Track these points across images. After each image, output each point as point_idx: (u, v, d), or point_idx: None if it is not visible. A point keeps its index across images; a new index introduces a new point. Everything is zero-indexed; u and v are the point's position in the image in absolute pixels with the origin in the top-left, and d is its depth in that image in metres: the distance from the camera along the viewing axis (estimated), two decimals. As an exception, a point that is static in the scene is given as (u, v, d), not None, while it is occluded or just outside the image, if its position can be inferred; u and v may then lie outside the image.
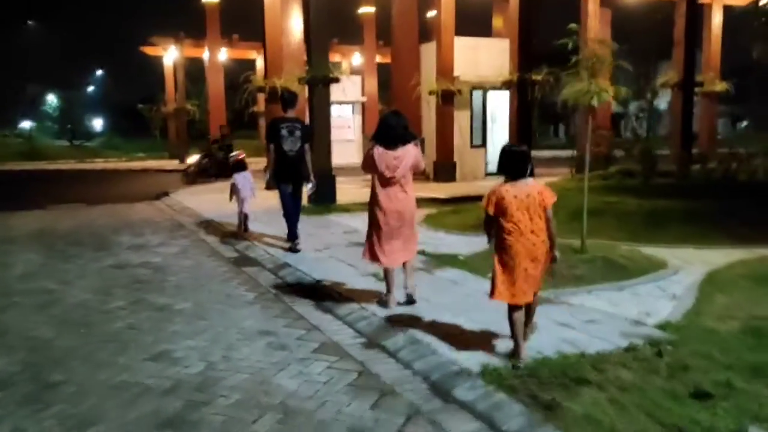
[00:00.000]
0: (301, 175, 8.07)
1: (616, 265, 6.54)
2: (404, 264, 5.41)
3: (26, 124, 52.14)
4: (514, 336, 4.16)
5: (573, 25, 6.91)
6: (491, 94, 18.05)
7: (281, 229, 8.85)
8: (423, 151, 5.69)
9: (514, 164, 4.18)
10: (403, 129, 5.18)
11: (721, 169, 10.13)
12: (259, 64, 31.89)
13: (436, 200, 13.12)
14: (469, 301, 5.47)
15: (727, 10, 19.40)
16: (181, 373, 4.19)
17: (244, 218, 9.46)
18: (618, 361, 4.01)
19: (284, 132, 7.89)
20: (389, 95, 36.87)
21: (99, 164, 29.54)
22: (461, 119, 17.51)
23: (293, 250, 7.89)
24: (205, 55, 26.32)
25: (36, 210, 13.13)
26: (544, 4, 15.04)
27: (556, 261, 4.28)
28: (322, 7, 12.26)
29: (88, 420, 3.55)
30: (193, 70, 32.03)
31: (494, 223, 4.21)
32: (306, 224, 10.07)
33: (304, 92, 16.38)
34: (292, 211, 8.08)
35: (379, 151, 5.11)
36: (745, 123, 56.18)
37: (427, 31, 21.66)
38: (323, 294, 5.92)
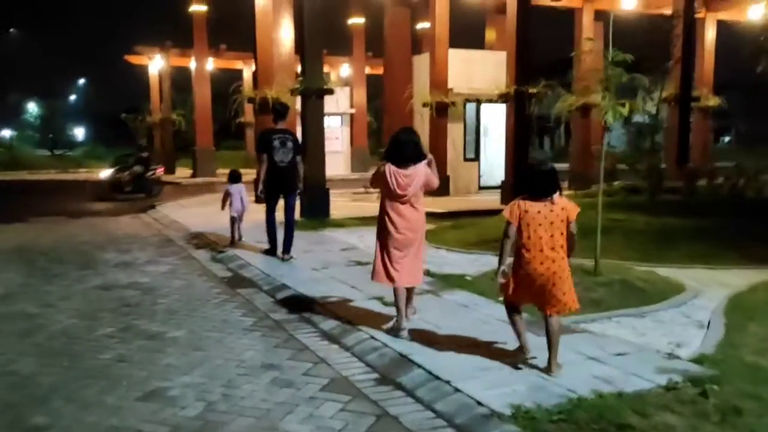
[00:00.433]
0: (293, 186, 8.16)
1: (634, 288, 6.23)
2: (409, 291, 5.19)
3: (6, 133, 51.20)
4: (518, 336, 4.30)
5: (589, 38, 6.61)
6: (484, 107, 17.83)
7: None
8: (429, 165, 5.30)
9: (543, 184, 4.12)
10: (414, 147, 5.02)
11: (728, 185, 9.90)
12: (246, 74, 31.42)
13: (433, 215, 12.71)
14: (485, 329, 5.11)
15: (720, 25, 19.39)
16: (178, 415, 3.78)
17: (235, 227, 9.43)
18: (660, 402, 3.67)
19: (276, 143, 7.93)
20: (379, 106, 36.69)
21: (82, 174, 28.92)
22: (454, 132, 17.25)
23: (270, 253, 8.27)
24: (192, 64, 25.86)
25: (16, 223, 12.60)
26: (538, 17, 14.82)
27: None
28: (316, 17, 11.93)
29: (74, 475, 3.14)
30: (179, 80, 31.50)
31: (511, 239, 4.14)
32: (301, 240, 9.68)
33: (294, 103, 16.09)
34: (287, 228, 8.22)
35: (390, 169, 4.94)
36: (728, 138, 56.64)
37: (417, 43, 21.41)
38: (327, 320, 5.53)
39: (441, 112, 16.18)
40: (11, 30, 61.44)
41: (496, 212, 12.98)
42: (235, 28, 33.04)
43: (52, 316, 5.95)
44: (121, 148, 40.92)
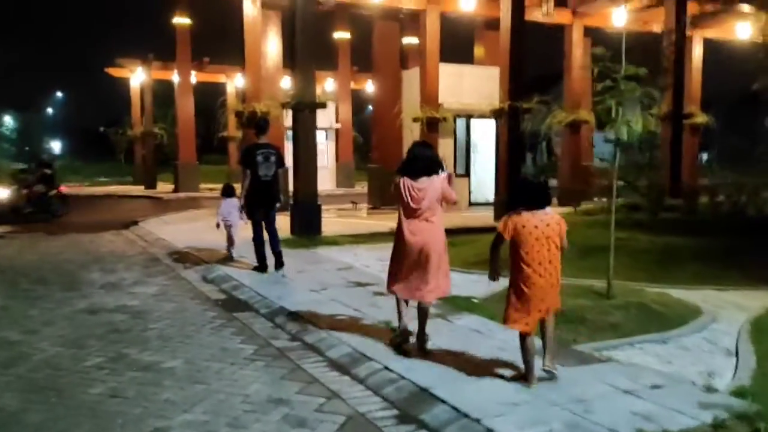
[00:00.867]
0: (275, 200, 8.31)
1: (651, 311, 5.98)
2: (421, 308, 5.03)
3: (-19, 146, 50.13)
4: (526, 362, 4.21)
5: (598, 50, 6.42)
6: (474, 123, 17.66)
7: (269, 258, 8.41)
8: (451, 182, 5.23)
9: (535, 196, 4.23)
10: (428, 160, 5.02)
11: (729, 203, 9.77)
12: (230, 88, 31.12)
13: (426, 232, 12.49)
14: (504, 356, 4.81)
15: (707, 43, 19.49)
16: (183, 460, 3.42)
17: (230, 244, 9.25)
18: (711, 443, 3.39)
19: (260, 158, 8.07)
20: (363, 121, 36.49)
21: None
22: (445, 147, 17.00)
23: (260, 269, 8.23)
24: (175, 77, 25.42)
25: (-8, 240, 12.09)
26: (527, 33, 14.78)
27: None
28: (309, 30, 11.65)
29: None
30: (160, 93, 30.98)
31: (498, 249, 4.27)
32: (294, 259, 9.35)
33: (282, 117, 15.78)
34: (270, 238, 8.28)
35: (404, 182, 4.96)
36: (706, 155, 57.24)
37: (403, 58, 21.21)
38: (334, 348, 5.18)
39: (432, 127, 15.96)
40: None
41: (491, 230, 12.71)
42: (218, 41, 32.68)
43: (35, 344, 5.53)
44: (99, 162, 40.40)
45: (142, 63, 27.41)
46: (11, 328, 6.01)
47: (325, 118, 25.50)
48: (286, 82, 18.22)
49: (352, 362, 4.85)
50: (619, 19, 17.26)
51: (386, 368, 4.61)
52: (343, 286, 7.48)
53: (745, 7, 16.56)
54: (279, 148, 8.58)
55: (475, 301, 6.75)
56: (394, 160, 18.27)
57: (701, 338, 5.44)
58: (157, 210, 17.93)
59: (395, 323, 5.39)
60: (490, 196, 16.80)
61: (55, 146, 61.80)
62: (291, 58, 11.76)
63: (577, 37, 17.94)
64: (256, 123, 8.89)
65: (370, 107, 47.15)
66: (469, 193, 17.69)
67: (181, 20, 23.01)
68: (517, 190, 4.43)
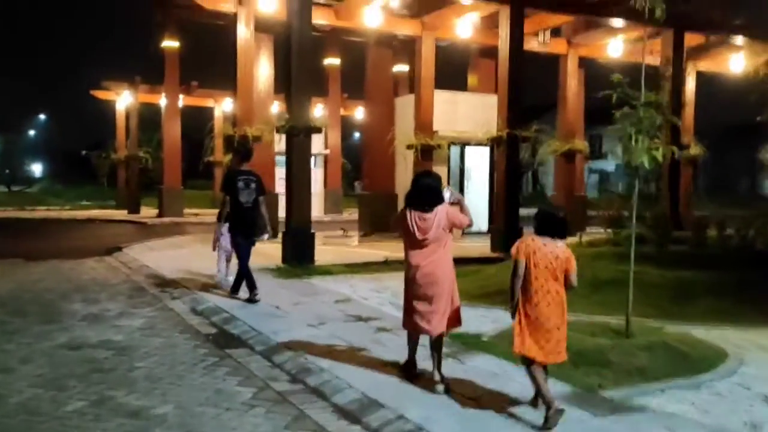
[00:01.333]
0: (255, 226, 8.27)
1: (676, 353, 5.61)
2: (434, 343, 4.91)
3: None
4: (540, 388, 4.13)
5: (617, 76, 6.14)
6: (468, 150, 17.42)
7: (261, 288, 8.15)
8: (460, 205, 5.16)
9: (554, 229, 4.28)
10: (433, 190, 4.94)
11: (738, 236, 9.51)
12: (218, 112, 30.76)
13: (423, 263, 12.10)
14: (526, 400, 4.40)
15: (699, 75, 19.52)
16: None
17: (225, 266, 8.97)
18: None
19: (241, 184, 8.06)
20: (351, 147, 36.26)
21: (40, 212, 27.48)
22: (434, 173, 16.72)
23: (252, 300, 7.99)
24: (162, 101, 25.02)
25: (-32, 266, 11.49)
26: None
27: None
28: (305, 54, 11.37)
29: None
30: (145, 117, 30.51)
31: (521, 277, 4.18)
32: (289, 290, 8.94)
33: (273, 142, 15.41)
34: (242, 262, 8.18)
35: (410, 212, 4.87)
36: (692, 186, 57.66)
37: (395, 85, 21.01)
38: (340, 392, 4.74)
39: (426, 154, 15.67)
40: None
41: (489, 260, 12.44)
42: (207, 66, 32.48)
43: (11, 384, 5.03)
44: (81, 186, 39.64)
45: (129, 86, 27.01)
46: (-16, 366, 5.50)
47: (314, 144, 25.17)
48: (277, 107, 17.94)
49: (361, 409, 4.41)
50: (614, 50, 17.22)
51: (402, 417, 4.18)
52: (343, 321, 7.05)
53: (739, 40, 16.58)
54: (260, 175, 8.54)
55: (485, 339, 6.35)
56: (385, 187, 18.08)
57: (734, 384, 5.07)
58: (141, 235, 17.38)
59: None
60: (484, 225, 16.50)
61: (36, 169, 60.91)
62: (285, 82, 11.44)
63: (572, 66, 17.86)
64: (239, 150, 8.99)
65: (357, 134, 47.27)
66: (462, 222, 17.36)
67: (170, 44, 22.67)
68: (537, 222, 4.35)
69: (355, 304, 7.96)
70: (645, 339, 5.85)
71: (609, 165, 63.43)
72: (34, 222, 23.10)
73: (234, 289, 8.36)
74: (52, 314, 7.57)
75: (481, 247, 14.06)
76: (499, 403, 4.44)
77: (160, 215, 24.09)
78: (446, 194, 5.02)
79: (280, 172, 17.86)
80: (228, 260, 9.06)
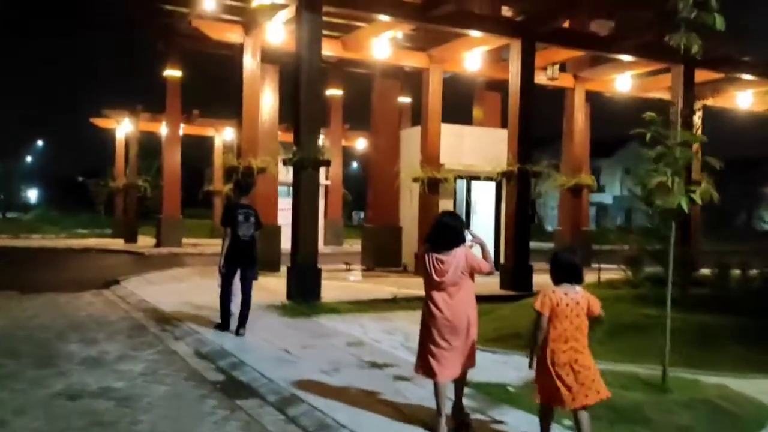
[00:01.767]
0: (253, 259, 8.39)
1: (720, 410, 5.25)
2: (457, 382, 4.87)
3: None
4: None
5: (650, 114, 5.89)
6: (474, 184, 17.17)
7: (267, 327, 8.06)
8: (482, 249, 5.00)
9: (570, 273, 4.29)
10: (453, 231, 4.82)
11: (761, 277, 9.21)
12: (218, 141, 30.62)
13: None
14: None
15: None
16: None
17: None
18: None
19: (241, 217, 8.21)
20: (350, 178, 36.05)
21: (35, 241, 27.05)
22: (444, 209, 16.44)
23: (222, 328, 8.29)
24: (163, 129, 24.82)
25: (-41, 300, 11.06)
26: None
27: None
28: (313, 85, 11.17)
29: None
30: (144, 145, 30.26)
31: (544, 330, 4.20)
32: (298, 330, 8.57)
33: (277, 173, 15.15)
34: (243, 300, 8.31)
35: (429, 253, 4.81)
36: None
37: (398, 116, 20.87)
38: (364, 454, 4.35)
39: (433, 188, 15.41)
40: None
41: (500, 298, 12.08)
42: (208, 95, 32.40)
43: (2, 441, 4.63)
44: (78, 213, 39.23)
45: (130, 114, 26.82)
46: (-26, 418, 5.09)
47: (315, 174, 24.96)
48: (281, 138, 17.71)
49: (390, 476, 4.02)
50: (622, 85, 17.12)
51: (437, 488, 3.79)
52: (358, 367, 6.66)
53: (747, 76, 16.49)
54: (257, 209, 8.75)
55: (512, 389, 5.96)
56: (389, 219, 17.78)
57: (789, 447, 4.71)
58: (139, 267, 16.96)
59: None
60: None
61: (32, 195, 60.55)
62: (294, 114, 11.20)
63: (578, 101, 17.74)
64: (239, 183, 9.13)
65: (355, 164, 47.13)
66: (468, 256, 17.03)
67: (172, 72, 22.54)
68: (556, 270, 4.33)
69: (368, 348, 7.58)
70: (683, 394, 5.50)
71: (606, 198, 63.53)
72: (30, 251, 22.66)
73: (241, 324, 8.26)
74: (48, 356, 7.14)
75: (490, 283, 13.67)
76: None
77: (158, 245, 23.70)
78: (467, 237, 4.87)
79: (283, 204, 17.64)
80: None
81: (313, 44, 11.03)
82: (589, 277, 11.32)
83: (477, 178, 16.01)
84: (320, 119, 11.50)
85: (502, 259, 14.27)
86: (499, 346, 7.92)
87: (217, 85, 34.09)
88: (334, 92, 25.91)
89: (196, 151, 33.82)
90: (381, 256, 17.14)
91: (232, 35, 14.63)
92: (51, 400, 5.57)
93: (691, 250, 14.15)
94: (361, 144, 31.43)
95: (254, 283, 9.40)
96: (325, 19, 11.61)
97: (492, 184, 16.41)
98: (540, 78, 16.34)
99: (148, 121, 27.29)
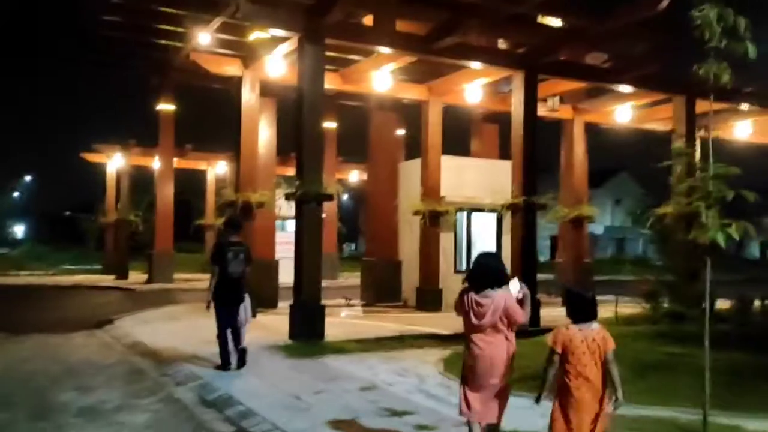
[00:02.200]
0: (242, 297, 8.40)
1: (770, 460, 4.91)
2: (491, 427, 4.79)
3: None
4: None
5: (679, 146, 5.68)
6: (474, 216, 16.92)
7: (273, 370, 7.67)
8: (522, 299, 4.78)
9: (584, 310, 4.30)
10: (493, 271, 4.78)
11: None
12: (210, 175, 30.28)
13: (440, 337, 11.36)
14: None
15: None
16: None
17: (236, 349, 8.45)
18: None
19: (230, 255, 8.21)
20: (342, 210, 35.72)
21: (23, 277, 26.42)
22: (445, 242, 16.16)
23: (224, 368, 8.22)
24: (155, 164, 24.50)
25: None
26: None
27: (617, 403, 4.18)
28: (316, 120, 10.95)
29: None
30: (135, 179, 29.87)
31: (555, 366, 4.22)
32: (306, 373, 8.17)
33: (274, 207, 14.85)
34: (233, 335, 8.31)
35: (468, 293, 4.75)
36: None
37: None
38: None
39: (434, 220, 15.15)
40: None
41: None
42: (199, 127, 32.18)
43: None
44: (66, 249, 38.55)
45: (122, 149, 26.50)
46: (-34, 481, 4.66)
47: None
48: (278, 171, 17.47)
49: None
50: (622, 116, 17.06)
51: None
52: (375, 415, 6.28)
53: (747, 107, 16.47)
54: (248, 245, 8.82)
55: (541, 437, 5.60)
56: (389, 253, 17.45)
57: None
58: (132, 304, 16.47)
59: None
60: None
61: (19, 230, 59.69)
62: (297, 148, 10.96)
63: (577, 132, 17.66)
64: (231, 221, 9.04)
65: (345, 196, 46.92)
66: (470, 291, 16.68)
67: (165, 107, 22.30)
68: (570, 307, 4.35)
69: (382, 393, 7.19)
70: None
71: (597, 228, 63.64)
72: (17, 288, 22.04)
73: (240, 363, 8.33)
74: (42, 406, 6.70)
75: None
76: None
77: (149, 281, 23.19)
78: (514, 286, 4.73)
79: (280, 237, 17.30)
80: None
81: (316, 77, 10.85)
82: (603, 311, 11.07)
83: (480, 210, 15.75)
84: (321, 154, 11.20)
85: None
86: (524, 389, 7.54)
87: (209, 119, 34.02)
88: (328, 125, 25.74)
89: (188, 185, 33.46)
90: (381, 290, 16.78)
91: (231, 68, 14.44)
92: (49, 459, 5.14)
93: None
94: (354, 176, 31.24)
95: (253, 321, 9.54)
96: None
97: (492, 216, 16.17)
98: (539, 109, 16.26)
99: (140, 156, 26.96)
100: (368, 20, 13.30)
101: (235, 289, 8.27)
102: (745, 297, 9.58)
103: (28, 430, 5.90)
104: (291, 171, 27.62)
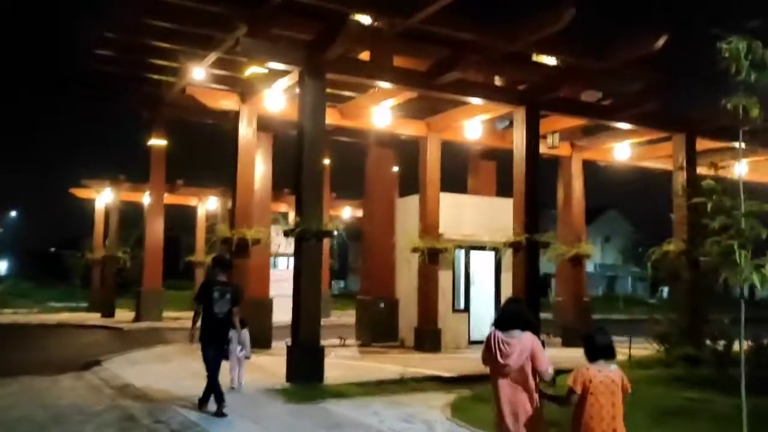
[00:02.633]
0: (226, 337, 8.40)
1: None
2: None
3: None
4: None
5: (709, 182, 5.45)
6: (473, 254, 16.65)
7: (274, 417, 7.29)
8: (543, 344, 4.98)
9: (603, 352, 4.42)
10: (520, 316, 4.89)
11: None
12: (201, 211, 29.85)
13: (443, 380, 10.99)
14: None
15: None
16: None
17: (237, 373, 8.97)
18: None
19: (216, 294, 8.11)
20: (342, 247, 35.37)
21: (6, 316, 25.66)
22: (444, 280, 15.85)
23: (220, 414, 7.86)
24: (145, 199, 24.12)
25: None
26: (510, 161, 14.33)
27: None
28: (317, 157, 10.72)
29: None
30: (123, 214, 29.42)
31: (571, 406, 4.34)
32: (306, 420, 7.77)
33: (269, 244, 14.52)
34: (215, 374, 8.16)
35: (495, 334, 4.82)
36: (666, 288, 57.33)
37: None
38: None
39: (432, 258, 14.86)
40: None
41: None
42: (189, 162, 31.90)
43: None
44: (51, 286, 37.75)
45: (111, 184, 26.12)
46: None
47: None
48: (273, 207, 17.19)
49: None
50: (622, 154, 17.00)
51: None
52: (388, 467, 5.88)
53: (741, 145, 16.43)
54: (237, 285, 8.73)
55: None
56: (386, 291, 17.08)
57: None
58: (120, 344, 15.92)
59: None
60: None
61: (2, 266, 58.68)
62: (295, 183, 10.68)
63: (576, 169, 17.56)
64: (219, 260, 8.90)
65: (335, 231, 46.68)
66: (469, 330, 16.32)
67: (156, 142, 22.02)
68: (588, 349, 4.48)
69: (392, 443, 6.80)
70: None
71: (588, 266, 63.67)
72: (1, 327, 21.34)
73: (202, 402, 8.20)
74: (29, 458, 6.24)
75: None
76: None
77: (137, 319, 22.57)
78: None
79: (275, 275, 16.92)
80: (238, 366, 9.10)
81: (317, 111, 10.67)
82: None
83: (482, 248, 15.51)
84: (321, 190, 10.95)
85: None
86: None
87: (201, 154, 33.78)
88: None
89: (178, 221, 33.03)
90: (377, 330, 16.38)
91: (227, 102, 14.26)
92: None
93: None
94: (347, 213, 30.96)
95: (247, 362, 9.74)
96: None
97: (491, 254, 15.91)
98: (541, 147, 16.18)
99: (130, 191, 26.59)
100: (365, 56, 13.21)
101: (219, 329, 8.17)
102: (760, 338, 9.30)
103: (12, 485, 5.44)
104: (283, 207, 27.54)
